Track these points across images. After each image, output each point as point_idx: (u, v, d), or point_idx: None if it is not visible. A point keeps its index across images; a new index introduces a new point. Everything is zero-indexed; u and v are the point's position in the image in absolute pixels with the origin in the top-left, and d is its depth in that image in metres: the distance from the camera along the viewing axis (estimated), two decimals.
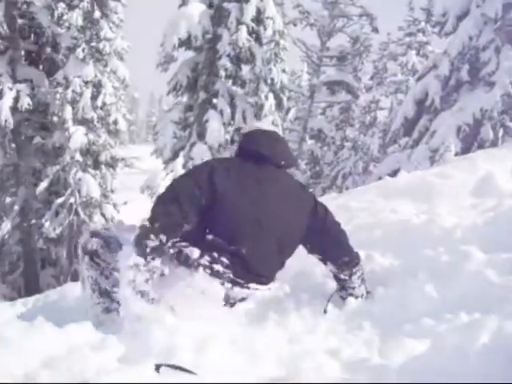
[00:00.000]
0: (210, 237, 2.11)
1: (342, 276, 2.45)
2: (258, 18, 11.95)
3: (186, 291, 2.01)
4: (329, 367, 1.60)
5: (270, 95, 12.49)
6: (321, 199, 2.68)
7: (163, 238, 1.95)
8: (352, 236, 3.19)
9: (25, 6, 10.69)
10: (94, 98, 10.72)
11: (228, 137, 11.50)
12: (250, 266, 2.16)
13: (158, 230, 1.94)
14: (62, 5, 10.78)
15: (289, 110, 18.98)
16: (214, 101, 11.69)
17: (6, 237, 10.94)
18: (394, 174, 11.16)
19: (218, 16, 11.92)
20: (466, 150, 11.38)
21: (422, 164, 11.31)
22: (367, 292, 2.50)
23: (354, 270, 2.45)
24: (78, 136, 10.11)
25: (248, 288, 2.20)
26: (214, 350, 1.69)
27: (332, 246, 2.43)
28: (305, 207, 2.36)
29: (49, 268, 11.66)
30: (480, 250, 2.50)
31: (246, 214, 2.14)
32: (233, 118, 11.81)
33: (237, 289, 2.16)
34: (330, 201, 4.15)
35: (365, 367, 1.56)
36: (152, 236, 1.92)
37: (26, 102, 9.95)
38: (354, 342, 2.04)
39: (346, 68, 19.09)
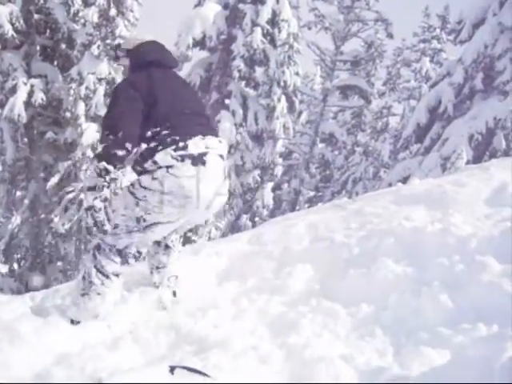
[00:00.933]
0: (148, 133, 2.36)
1: None
2: (273, 21, 11.95)
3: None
4: (345, 375, 1.56)
5: (283, 98, 12.47)
6: (335, 203, 2.72)
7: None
8: (365, 241, 3.18)
9: (42, 2, 10.73)
10: (107, 95, 10.72)
11: (239, 138, 11.50)
12: (187, 126, 2.37)
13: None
14: (78, 1, 10.81)
15: (301, 113, 18.99)
16: (227, 101, 11.69)
17: (16, 230, 10.99)
18: (404, 180, 11.10)
19: (233, 17, 11.94)
20: (477, 158, 11.28)
21: (433, 171, 11.24)
22: None
23: None
24: (90, 132, 10.13)
25: (198, 137, 2.34)
26: None
27: None
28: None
29: (56, 263, 11.70)
30: (496, 261, 2.46)
31: (173, 105, 2.41)
32: (245, 119, 11.81)
33: (190, 141, 2.30)
34: (347, 205, 4.11)
35: (383, 377, 1.53)
36: None
37: (39, 97, 10.00)
38: (365, 349, 2.01)
39: (359, 73, 19.03)
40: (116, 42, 2.75)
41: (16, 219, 10.82)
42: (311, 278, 2.78)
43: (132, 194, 2.31)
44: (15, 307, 2.05)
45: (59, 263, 11.84)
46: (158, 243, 2.69)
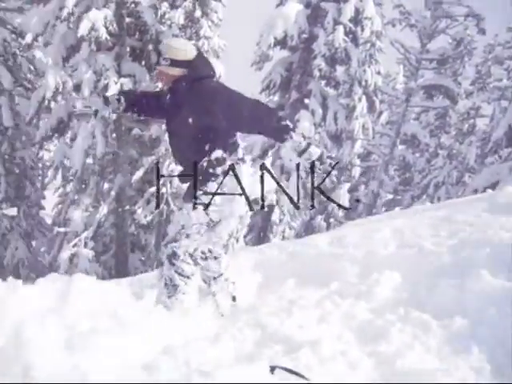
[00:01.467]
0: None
1: None
2: (356, 19, 11.69)
3: None
4: None
5: (363, 97, 12.19)
6: (414, 208, 2.66)
7: None
8: (457, 251, 3.01)
9: (133, 5, 11.32)
10: None
11: (318, 137, 11.38)
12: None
13: None
14: (165, 4, 11.29)
15: (381, 113, 18.42)
16: (306, 101, 11.62)
17: (102, 220, 11.70)
18: (492, 186, 10.39)
19: (315, 16, 11.84)
20: None
21: None
22: None
23: None
24: None
25: None
26: None
27: None
28: None
29: (138, 252, 12.33)
30: None
31: None
32: (324, 118, 11.68)
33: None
34: (433, 211, 3.93)
35: None
36: None
37: None
38: (460, 364, 1.91)
39: (445, 72, 18.09)
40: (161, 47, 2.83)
41: (103, 209, 11.51)
42: (399, 285, 2.69)
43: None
44: (116, 293, 2.17)
45: (140, 253, 12.48)
46: (205, 255, 2.78)
